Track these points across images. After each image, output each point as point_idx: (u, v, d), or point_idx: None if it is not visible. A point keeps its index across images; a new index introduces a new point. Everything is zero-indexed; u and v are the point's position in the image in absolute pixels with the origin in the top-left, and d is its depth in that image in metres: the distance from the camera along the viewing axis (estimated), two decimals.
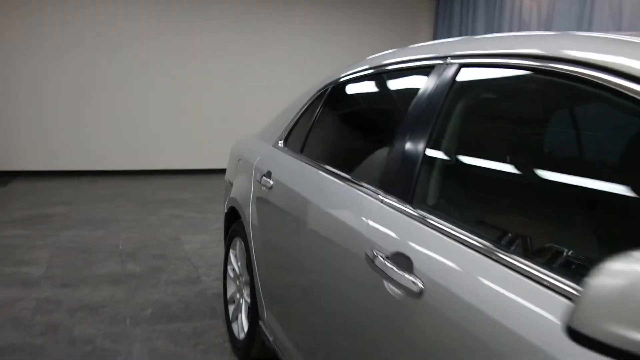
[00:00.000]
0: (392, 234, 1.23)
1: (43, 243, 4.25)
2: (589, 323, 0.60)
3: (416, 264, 1.11)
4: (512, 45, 1.19)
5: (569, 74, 0.99)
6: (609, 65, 0.91)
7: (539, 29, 7.05)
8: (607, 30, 6.19)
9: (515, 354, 0.83)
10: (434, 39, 9.06)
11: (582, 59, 0.97)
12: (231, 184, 2.73)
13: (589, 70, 0.94)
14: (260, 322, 2.21)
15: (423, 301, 1.06)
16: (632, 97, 0.85)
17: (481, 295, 0.93)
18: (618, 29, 6.14)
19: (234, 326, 2.62)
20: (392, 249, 1.20)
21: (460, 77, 1.31)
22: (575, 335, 0.62)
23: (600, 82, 0.91)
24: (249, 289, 2.39)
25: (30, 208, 5.46)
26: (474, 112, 1.34)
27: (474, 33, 8.17)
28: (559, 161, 1.09)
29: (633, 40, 0.95)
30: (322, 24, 8.23)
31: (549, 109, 1.16)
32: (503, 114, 1.31)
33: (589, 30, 6.14)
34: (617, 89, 0.88)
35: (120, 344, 2.63)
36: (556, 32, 1.17)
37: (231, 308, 2.69)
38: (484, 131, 1.34)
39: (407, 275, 1.11)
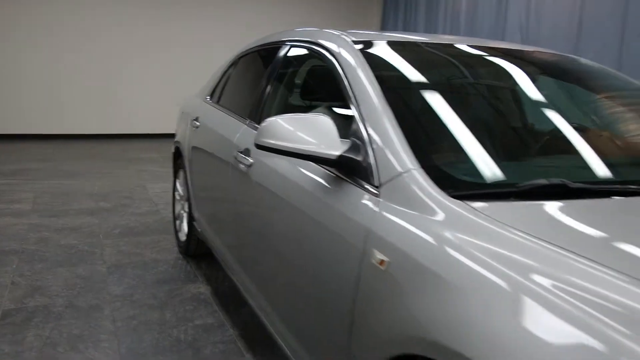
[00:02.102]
0: (244, 139, 2.20)
1: (28, 188, 5.13)
2: (258, 139, 1.56)
3: (253, 151, 2.08)
4: (291, 35, 2.17)
5: (305, 46, 1.96)
6: (315, 41, 1.88)
7: (465, 22, 8.17)
8: (519, 26, 7.35)
9: (297, 194, 1.80)
10: (382, 28, 10.10)
11: (306, 39, 1.96)
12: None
13: (309, 45, 1.92)
14: (194, 222, 3.18)
15: (251, 170, 2.04)
16: (324, 55, 1.82)
17: (284, 166, 1.90)
18: (528, 25, 7.29)
19: (180, 234, 3.59)
20: (243, 147, 2.17)
21: (289, 53, 2.27)
22: (257, 145, 1.58)
23: (315, 50, 1.88)
24: (187, 203, 3.35)
25: (13, 164, 6.30)
26: (292, 69, 2.31)
27: (416, 25, 9.21)
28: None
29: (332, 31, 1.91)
30: (277, 17, 9.16)
31: (301, 62, 2.16)
32: (299, 69, 2.29)
33: (504, 20, 7.32)
34: (322, 52, 1.85)
35: (95, 248, 3.58)
36: (312, 29, 2.16)
37: (177, 222, 3.66)
38: (294, 79, 2.32)
39: (247, 157, 2.08)
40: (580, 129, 1.66)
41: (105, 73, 8.40)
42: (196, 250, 3.38)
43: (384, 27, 10.03)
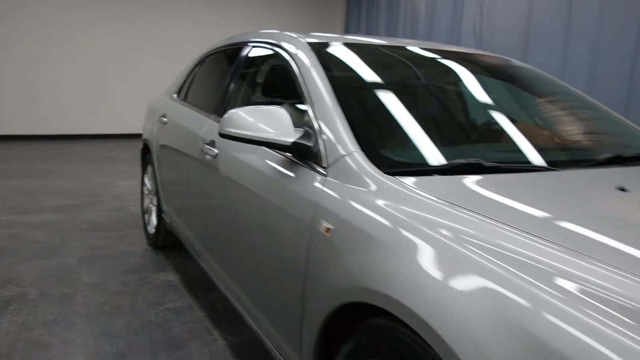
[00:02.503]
0: (210, 132, 2.39)
1: None
2: (222, 129, 1.76)
3: (217, 141, 2.27)
4: (254, 36, 2.37)
5: (266, 47, 2.17)
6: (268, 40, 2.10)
7: (424, 26, 8.61)
8: (473, 30, 7.78)
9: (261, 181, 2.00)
10: (345, 30, 10.46)
11: (267, 40, 2.18)
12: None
13: (270, 46, 2.14)
14: (163, 215, 3.34)
15: (217, 159, 2.23)
16: (283, 55, 2.03)
17: (246, 154, 2.10)
18: (481, 29, 7.72)
19: (149, 227, 3.73)
20: (208, 139, 2.36)
21: (251, 53, 2.48)
22: (221, 134, 1.77)
23: (275, 51, 2.10)
24: (156, 197, 3.50)
25: None
26: (254, 68, 2.52)
27: (378, 28, 9.61)
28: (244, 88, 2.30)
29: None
30: (245, 18, 9.35)
31: (263, 61, 2.37)
32: (260, 68, 2.50)
33: (460, 25, 7.74)
34: (279, 51, 2.06)
35: (65, 242, 3.69)
36: (271, 31, 2.36)
37: (146, 216, 3.80)
38: (256, 77, 2.52)
39: (212, 148, 2.27)
40: (500, 119, 1.92)
41: (76, 75, 8.43)
42: (165, 242, 3.54)
43: (347, 30, 10.35)
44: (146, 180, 3.79)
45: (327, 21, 10.15)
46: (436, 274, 1.09)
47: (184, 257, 3.48)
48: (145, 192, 3.82)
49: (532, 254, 1.02)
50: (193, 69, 3.35)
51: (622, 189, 1.38)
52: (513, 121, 1.94)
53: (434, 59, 2.21)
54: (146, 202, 3.81)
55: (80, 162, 6.66)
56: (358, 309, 1.31)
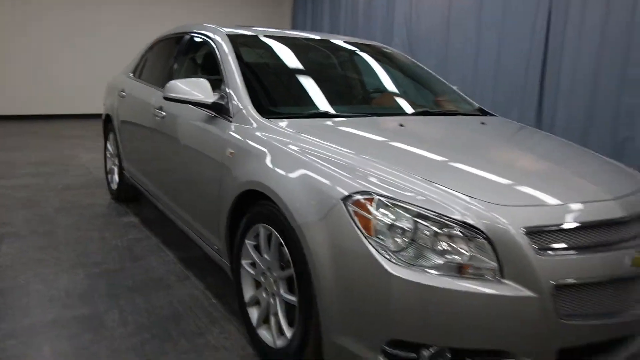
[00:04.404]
0: (159, 101, 3.23)
1: None
2: (165, 94, 2.60)
3: (164, 106, 3.11)
4: (191, 28, 3.21)
5: (200, 36, 3.03)
6: (202, 32, 2.95)
7: (363, 20, 9.73)
8: (405, 22, 8.89)
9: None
10: (293, 26, 11.52)
11: (200, 31, 3.03)
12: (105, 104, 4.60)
13: (203, 36, 2.99)
14: (124, 172, 4.15)
15: (164, 120, 3.07)
16: (209, 42, 2.89)
17: (184, 114, 2.95)
18: (411, 20, 8.84)
19: (112, 185, 4.54)
20: (158, 105, 3.20)
21: (189, 40, 3.32)
22: (165, 98, 2.61)
23: (204, 39, 2.95)
24: (117, 159, 4.30)
25: None
26: (191, 52, 3.36)
27: (322, 22, 10.79)
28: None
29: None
30: (197, 10, 10.11)
31: (197, 47, 3.21)
32: (196, 52, 3.33)
33: (392, 16, 8.85)
34: (207, 40, 2.92)
35: (44, 198, 4.47)
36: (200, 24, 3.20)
37: (109, 176, 4.60)
38: (192, 58, 3.36)
39: (160, 112, 3.12)
40: (354, 85, 2.85)
41: (41, 58, 9.09)
42: (126, 195, 4.36)
43: (294, 25, 11.43)
44: (109, 146, 4.58)
45: (278, 18, 11.12)
46: (284, 168, 2.00)
47: (142, 206, 4.31)
48: (108, 155, 4.61)
49: (333, 156, 1.94)
50: (145, 53, 4.15)
51: (401, 125, 2.33)
52: (363, 86, 2.88)
53: (316, 45, 3.11)
54: (109, 164, 4.61)
55: (47, 138, 7.36)
56: (249, 196, 2.20)
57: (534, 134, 2.89)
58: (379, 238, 1.64)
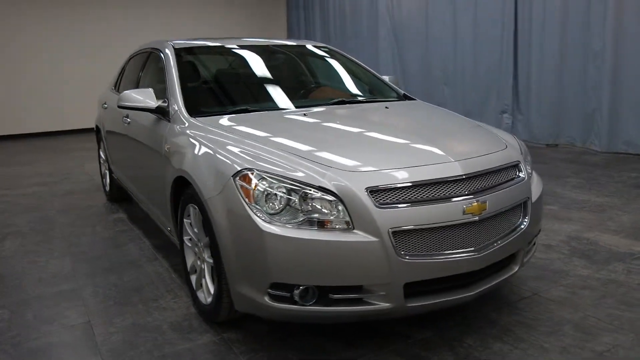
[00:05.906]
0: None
1: None
2: (118, 103, 3.11)
3: (130, 114, 3.62)
4: (153, 44, 3.72)
5: (156, 50, 3.53)
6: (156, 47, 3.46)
7: (350, 14, 10.38)
8: (387, 10, 9.38)
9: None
10: (288, 29, 12.19)
11: (156, 46, 3.54)
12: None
13: (158, 50, 3.50)
14: (113, 174, 4.70)
15: (130, 125, 3.59)
16: (161, 56, 3.39)
17: (140, 119, 3.45)
18: (393, 13, 9.35)
19: (106, 187, 5.10)
20: (125, 113, 3.72)
21: (151, 55, 3.83)
22: (118, 106, 3.12)
23: (157, 51, 3.45)
24: (107, 163, 4.85)
25: None
26: (151, 65, 3.86)
27: (314, 23, 11.53)
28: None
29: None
30: (194, 19, 10.68)
31: (155, 60, 3.71)
32: (155, 65, 3.84)
33: (376, 8, 9.51)
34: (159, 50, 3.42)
35: (46, 203, 5.06)
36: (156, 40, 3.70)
37: (104, 180, 5.17)
38: (151, 70, 3.87)
39: (127, 119, 3.63)
40: (286, 82, 3.31)
41: (51, 78, 9.87)
42: (117, 195, 4.91)
43: (289, 28, 12.10)
44: (101, 153, 5.15)
45: (274, 22, 11.77)
46: (197, 156, 2.47)
47: (131, 204, 4.86)
48: (101, 161, 5.17)
49: (234, 143, 2.41)
50: (122, 68, 4.69)
51: (305, 114, 2.78)
52: (289, 84, 3.33)
53: (253, 51, 3.57)
54: (102, 169, 5.17)
55: (54, 153, 8.02)
56: (183, 182, 2.68)
57: (430, 112, 3.22)
58: (257, 204, 2.10)
